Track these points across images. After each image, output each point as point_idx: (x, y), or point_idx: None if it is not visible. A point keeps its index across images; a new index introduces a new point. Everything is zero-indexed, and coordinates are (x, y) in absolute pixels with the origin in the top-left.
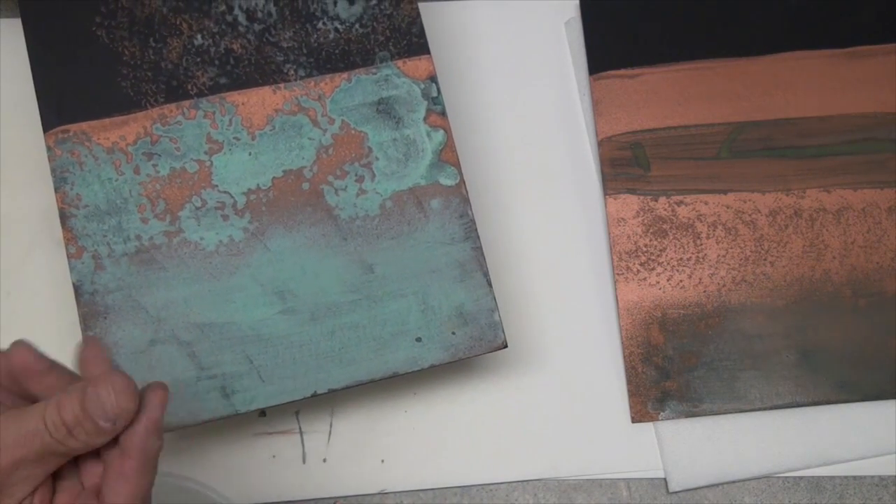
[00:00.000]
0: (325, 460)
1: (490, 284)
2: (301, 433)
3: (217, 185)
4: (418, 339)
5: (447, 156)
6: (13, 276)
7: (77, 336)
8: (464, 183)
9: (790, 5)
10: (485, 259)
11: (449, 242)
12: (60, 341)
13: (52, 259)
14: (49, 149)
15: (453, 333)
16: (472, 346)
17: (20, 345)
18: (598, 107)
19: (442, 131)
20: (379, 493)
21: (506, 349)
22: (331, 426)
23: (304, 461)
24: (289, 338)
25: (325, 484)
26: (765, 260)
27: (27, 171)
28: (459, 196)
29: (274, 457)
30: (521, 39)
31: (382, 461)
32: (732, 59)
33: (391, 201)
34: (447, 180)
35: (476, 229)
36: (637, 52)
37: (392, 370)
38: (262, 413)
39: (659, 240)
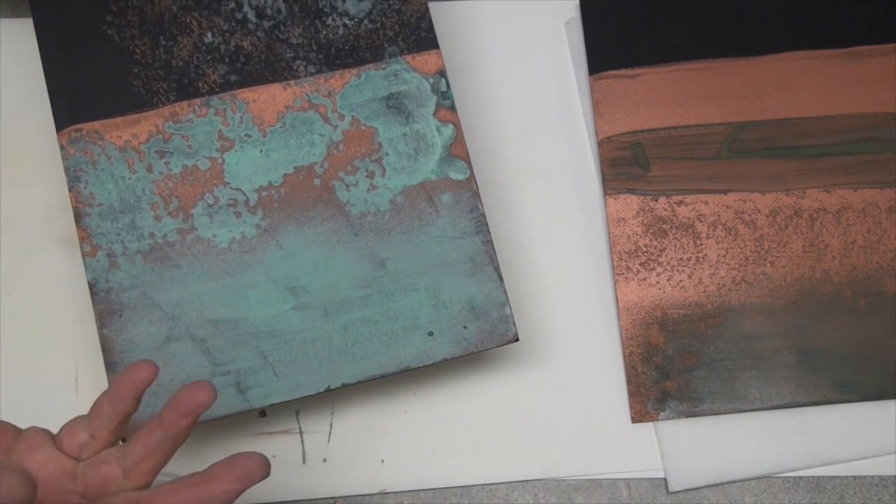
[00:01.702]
0: (325, 460)
1: (501, 278)
2: (301, 433)
3: (229, 183)
4: (430, 334)
5: (457, 150)
6: (13, 276)
7: (77, 335)
8: (474, 177)
9: (790, 5)
10: (495, 253)
11: (460, 237)
12: (61, 340)
13: (52, 258)
14: (62, 148)
15: (465, 327)
16: (484, 339)
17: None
18: (598, 107)
19: (451, 126)
20: (379, 493)
21: (511, 347)
22: (331, 426)
23: (304, 461)
24: (302, 333)
25: (325, 484)
26: (765, 260)
27: (27, 170)
28: (470, 190)
29: (274, 457)
30: (522, 39)
31: (382, 461)
32: (732, 59)
33: (402, 196)
34: (457, 174)
35: (486, 223)
36: (637, 52)
37: (404, 364)
38: (263, 413)
39: (659, 240)
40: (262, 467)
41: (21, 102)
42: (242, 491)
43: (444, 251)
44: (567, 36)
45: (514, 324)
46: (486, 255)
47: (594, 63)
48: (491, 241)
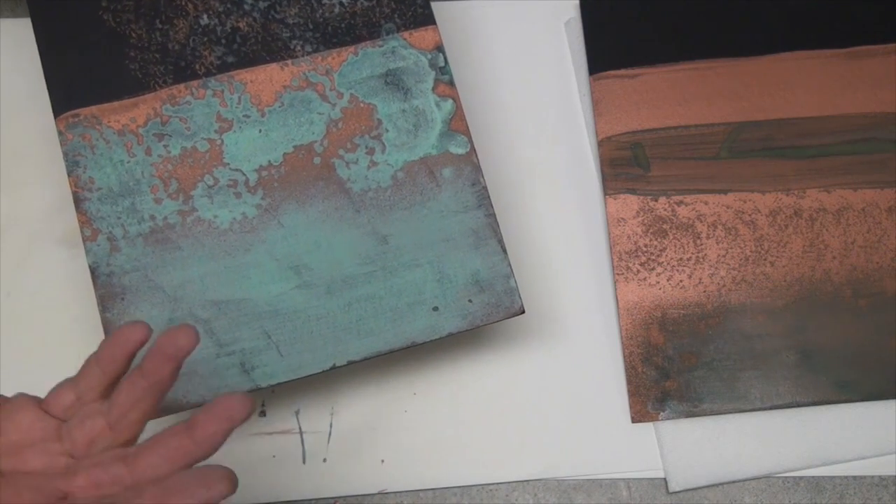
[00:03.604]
0: (325, 460)
1: (505, 251)
2: (301, 433)
3: (228, 163)
4: (435, 309)
5: (457, 125)
6: (13, 276)
7: (77, 334)
8: (474, 151)
9: (790, 5)
10: (498, 226)
11: (462, 210)
12: (61, 340)
13: (52, 258)
14: (60, 133)
15: (470, 301)
16: (490, 313)
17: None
18: (598, 107)
19: (451, 101)
20: (379, 493)
21: (512, 348)
22: (331, 426)
23: (304, 461)
24: (306, 312)
25: (325, 484)
26: (765, 260)
27: (26, 170)
28: (471, 164)
29: (274, 457)
30: (521, 39)
31: (382, 461)
32: (732, 59)
33: (403, 172)
34: (458, 149)
35: (489, 196)
36: (637, 52)
37: (410, 340)
38: (263, 413)
39: (659, 240)
40: (245, 405)
41: (21, 103)
42: (229, 432)
43: (446, 225)
44: (567, 36)
45: (519, 296)
46: (489, 229)
47: (594, 63)
48: (494, 215)
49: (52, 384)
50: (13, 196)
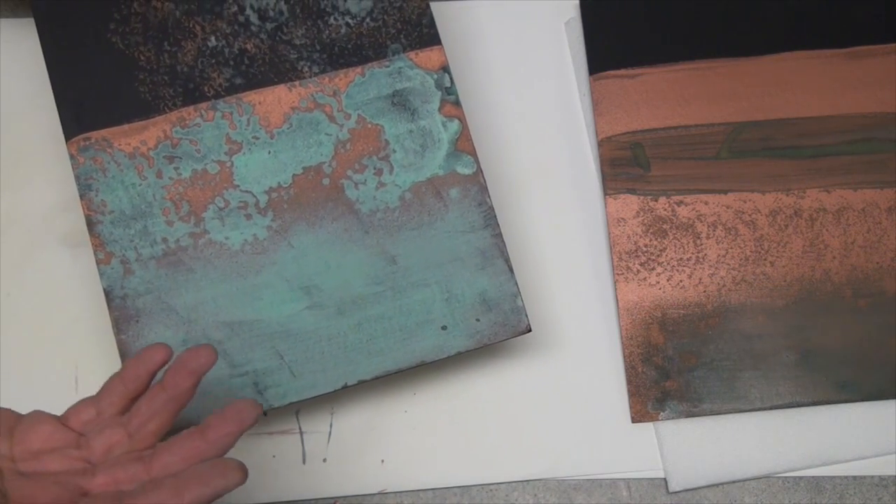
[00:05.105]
0: (325, 460)
1: (511, 270)
2: (301, 433)
3: (239, 185)
4: (444, 328)
5: (463, 145)
6: (13, 276)
7: (77, 335)
8: (481, 171)
9: (790, 5)
10: (505, 246)
11: (469, 231)
12: (61, 340)
13: (52, 258)
14: (72, 157)
15: (478, 320)
16: (497, 331)
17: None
18: (598, 107)
19: (457, 121)
20: (379, 493)
21: (511, 348)
22: (331, 426)
23: (304, 461)
24: (317, 332)
25: (325, 484)
26: (765, 260)
27: (27, 170)
28: (477, 184)
29: (274, 457)
30: (522, 39)
31: (382, 461)
32: (732, 59)
33: (410, 193)
34: (464, 169)
35: (495, 216)
36: (637, 52)
37: (419, 359)
38: (263, 412)
39: (659, 240)
40: (254, 409)
41: (21, 102)
42: (240, 434)
43: (454, 245)
44: (567, 36)
45: (526, 315)
46: (496, 248)
47: (594, 63)
48: (500, 234)
49: (52, 383)
50: (14, 195)
